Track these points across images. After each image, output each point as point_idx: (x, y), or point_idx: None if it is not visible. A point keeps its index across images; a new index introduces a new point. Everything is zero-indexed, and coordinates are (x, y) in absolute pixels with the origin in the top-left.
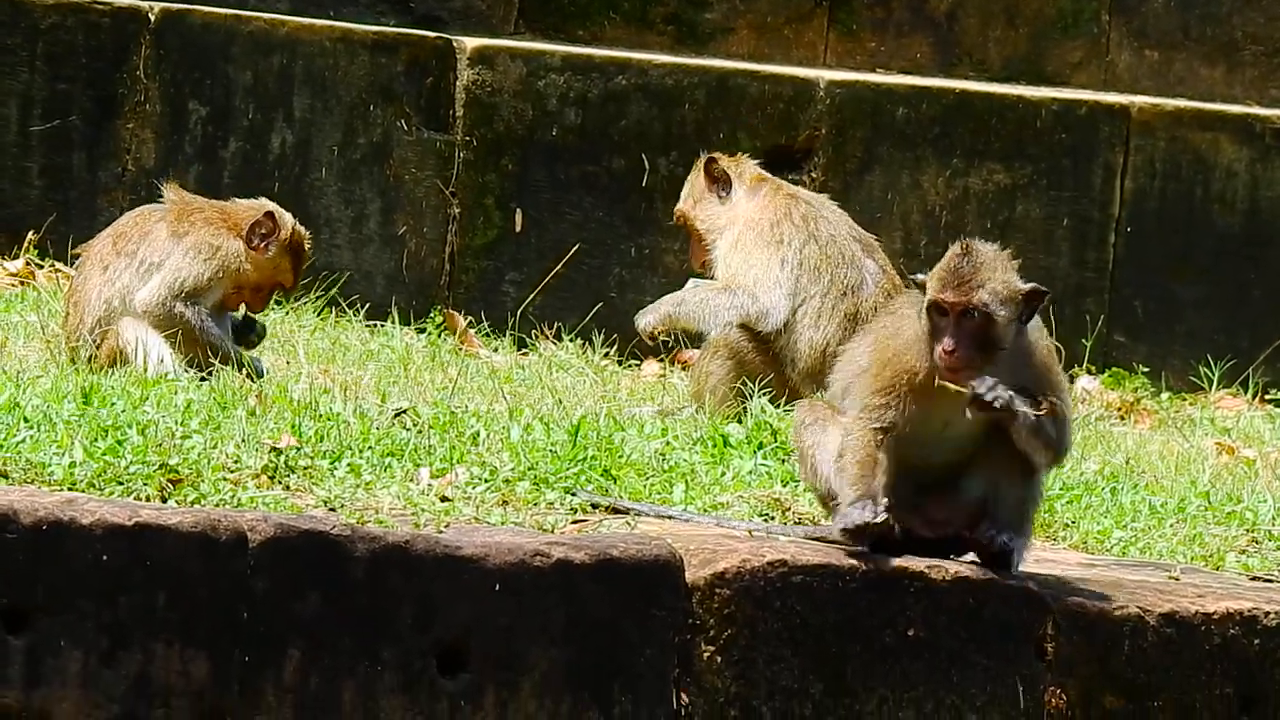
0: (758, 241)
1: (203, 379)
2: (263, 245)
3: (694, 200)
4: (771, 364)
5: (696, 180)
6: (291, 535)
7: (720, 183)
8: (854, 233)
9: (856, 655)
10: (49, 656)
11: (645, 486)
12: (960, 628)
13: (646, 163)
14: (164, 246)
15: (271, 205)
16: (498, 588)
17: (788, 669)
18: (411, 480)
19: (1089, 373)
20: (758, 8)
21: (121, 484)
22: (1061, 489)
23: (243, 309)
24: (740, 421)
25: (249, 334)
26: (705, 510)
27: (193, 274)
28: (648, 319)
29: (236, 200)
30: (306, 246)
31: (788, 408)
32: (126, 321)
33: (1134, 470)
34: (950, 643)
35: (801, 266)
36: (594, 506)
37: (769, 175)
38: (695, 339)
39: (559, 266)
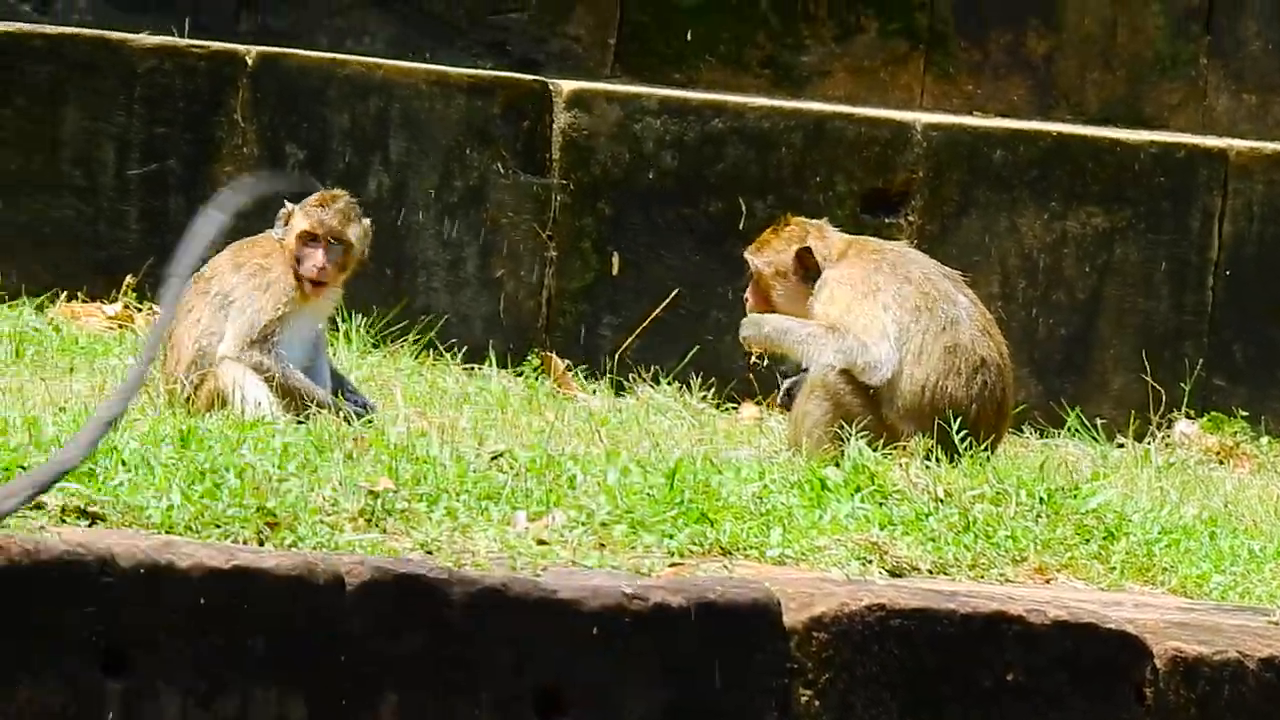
0: (854, 294)
1: (300, 422)
2: (285, 231)
3: (776, 271)
4: (870, 405)
5: (784, 254)
6: (388, 578)
7: (809, 273)
8: (942, 270)
9: (955, 699)
10: (146, 700)
11: (742, 530)
12: (1059, 671)
13: (743, 206)
14: (229, 277)
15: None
16: (595, 631)
17: (886, 713)
18: (508, 523)
19: (1188, 417)
20: (854, 50)
21: (219, 527)
22: (1160, 533)
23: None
24: (838, 465)
25: (360, 410)
26: (803, 554)
27: (258, 309)
28: (752, 331)
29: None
30: (320, 230)
31: (885, 450)
32: (226, 364)
33: (1233, 515)
34: (1049, 686)
35: (902, 309)
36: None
37: (850, 238)
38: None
39: (656, 310)
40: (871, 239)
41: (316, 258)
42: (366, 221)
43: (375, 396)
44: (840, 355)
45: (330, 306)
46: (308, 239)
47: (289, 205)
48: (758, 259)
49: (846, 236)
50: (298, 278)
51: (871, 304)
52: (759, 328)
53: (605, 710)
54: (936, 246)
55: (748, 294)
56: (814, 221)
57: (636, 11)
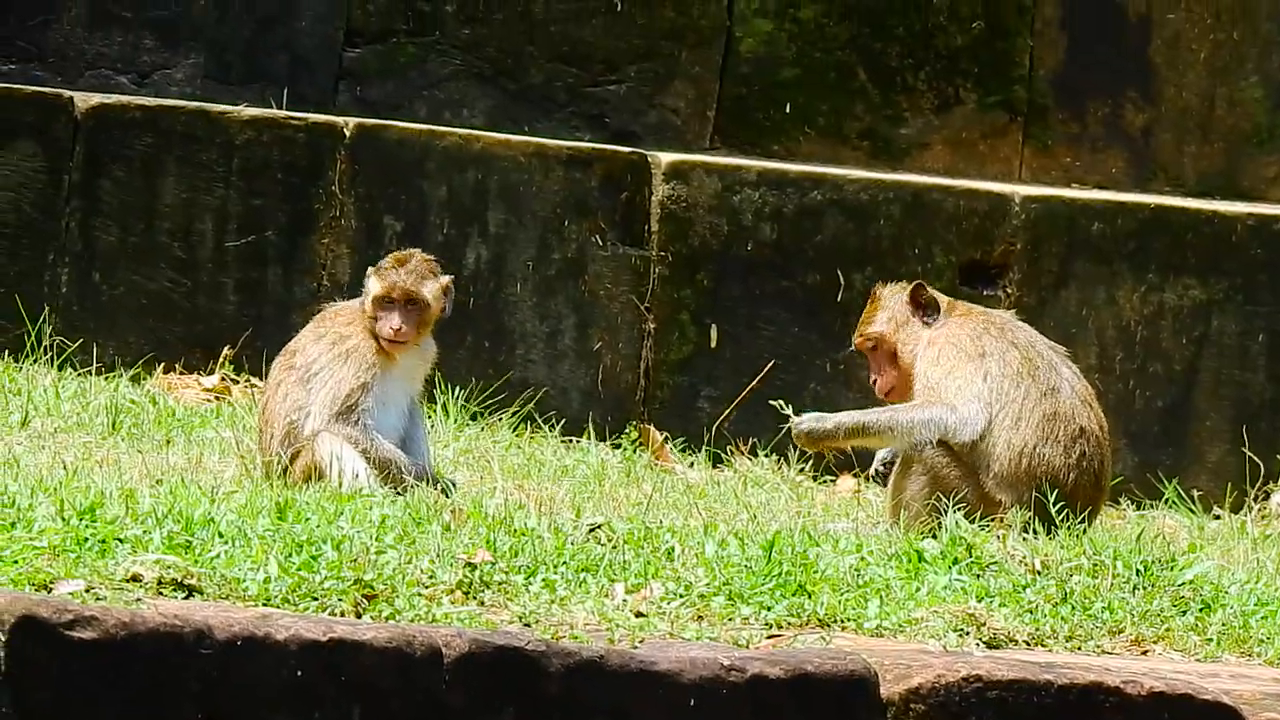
0: (960, 355)
1: (397, 494)
2: (363, 300)
3: (897, 324)
4: (967, 477)
5: (897, 305)
6: (486, 650)
7: (927, 309)
8: (1047, 343)
9: None
10: None
11: (840, 602)
12: None
13: (841, 277)
14: (311, 350)
15: None
16: (693, 703)
17: None
18: (606, 596)
19: None
20: (953, 123)
21: (316, 599)
22: (1257, 604)
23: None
24: (935, 537)
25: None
26: (900, 626)
27: (339, 379)
28: (811, 424)
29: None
30: (395, 294)
31: (983, 522)
32: (323, 437)
33: None
34: None
35: (1004, 375)
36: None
37: (956, 301)
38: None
39: (754, 382)
40: (977, 305)
41: (393, 320)
42: (445, 278)
43: (473, 469)
44: (931, 426)
45: (422, 368)
46: (383, 302)
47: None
48: (871, 327)
49: (950, 299)
50: (377, 340)
51: (975, 368)
52: (826, 420)
53: None
54: (1034, 318)
55: (874, 379)
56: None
57: (735, 84)
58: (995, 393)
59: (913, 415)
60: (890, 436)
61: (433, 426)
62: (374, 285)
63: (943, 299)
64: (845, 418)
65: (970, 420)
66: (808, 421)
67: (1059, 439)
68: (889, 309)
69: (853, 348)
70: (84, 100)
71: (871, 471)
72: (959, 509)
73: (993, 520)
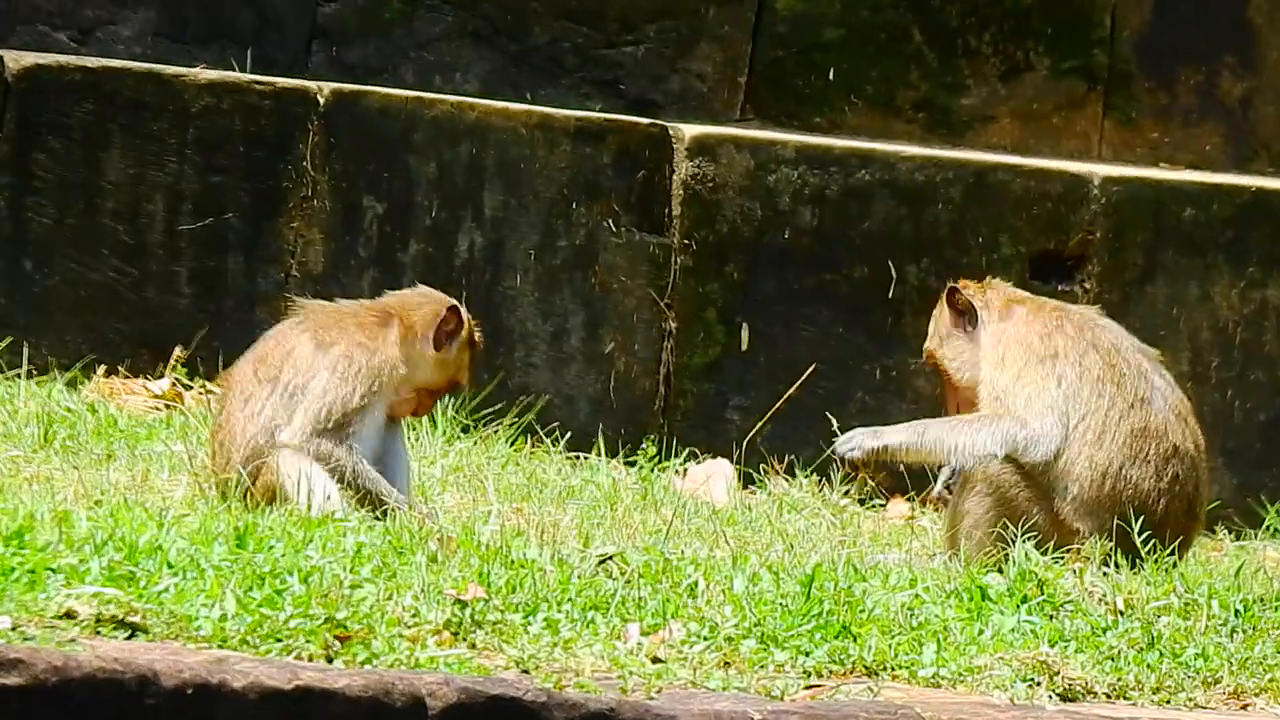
0: (1028, 357)
1: (375, 519)
2: (449, 344)
3: (940, 337)
4: (1039, 499)
5: (941, 314)
6: (478, 701)
7: (966, 315)
8: (1136, 345)
9: None
10: None
11: (890, 646)
12: None
13: (893, 270)
14: (309, 363)
15: (441, 295)
16: None
17: None
18: (618, 638)
19: None
20: (1022, 92)
21: (280, 641)
22: None
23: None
24: (1001, 571)
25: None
26: (960, 674)
27: (340, 397)
28: (859, 443)
29: (391, 294)
30: (479, 338)
31: (1057, 553)
32: (286, 453)
33: None
34: None
35: (1082, 379)
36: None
37: (1025, 294)
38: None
39: (792, 390)
40: (1051, 300)
41: (430, 402)
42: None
43: (464, 490)
44: (997, 440)
45: None
46: (456, 386)
47: (465, 315)
48: (927, 342)
49: (1021, 292)
50: (402, 406)
51: (1046, 371)
52: (878, 437)
53: None
54: (1115, 318)
55: (947, 399)
56: (980, 282)
57: (771, 46)
58: (1072, 401)
59: (975, 430)
60: (949, 455)
61: (416, 439)
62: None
63: (998, 299)
64: (895, 434)
65: (1043, 437)
66: (854, 439)
67: (1149, 458)
68: (936, 319)
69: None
70: (15, 60)
71: (934, 494)
72: (1029, 537)
73: (1068, 551)
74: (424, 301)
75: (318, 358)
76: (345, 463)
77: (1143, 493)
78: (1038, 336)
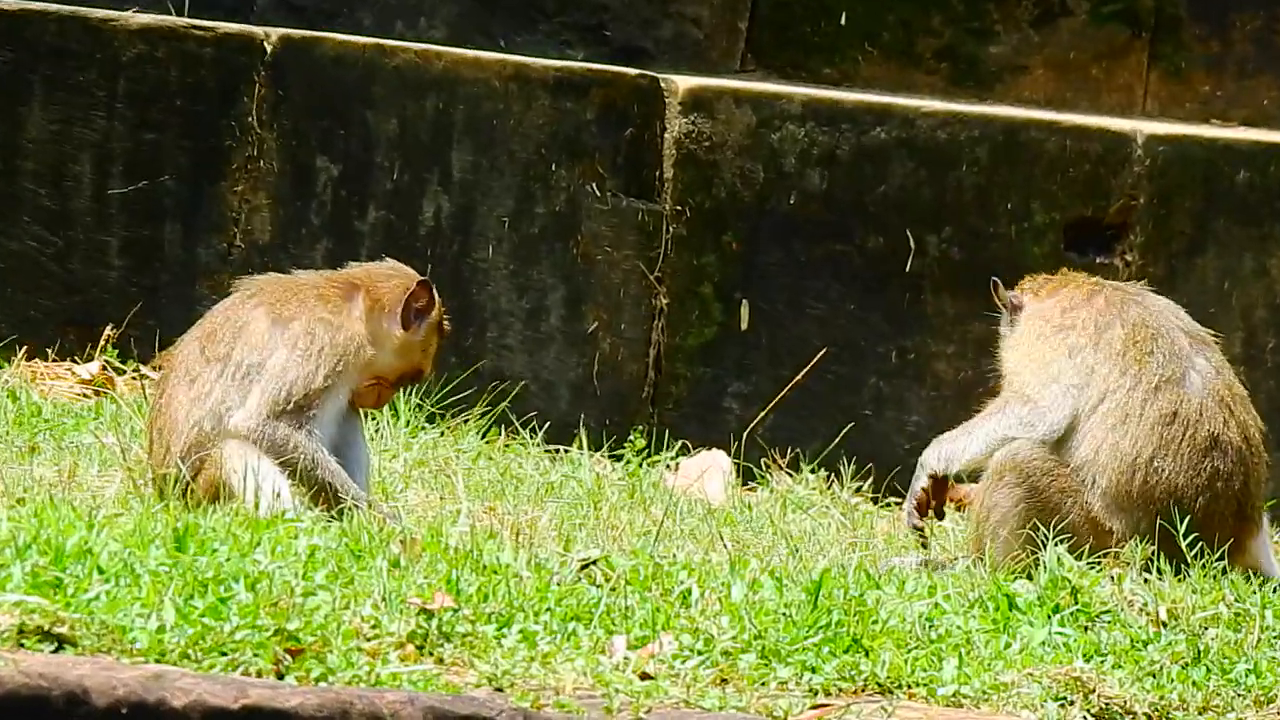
0: (1041, 331)
1: (331, 519)
2: (417, 324)
3: (1000, 337)
4: (1071, 491)
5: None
6: None
7: (1009, 309)
8: (1182, 324)
9: None
10: None
11: (907, 661)
12: None
13: (912, 241)
14: (265, 339)
15: (407, 268)
16: None
17: None
18: (602, 652)
19: None
20: (1057, 39)
21: (225, 654)
22: None
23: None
24: (1031, 577)
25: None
26: (985, 692)
27: (302, 374)
28: (936, 458)
29: (356, 265)
30: (447, 324)
31: (1094, 558)
32: (232, 445)
33: None
34: None
35: (1098, 351)
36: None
37: (1089, 280)
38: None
39: (799, 377)
40: (1102, 279)
41: (391, 392)
42: None
43: (430, 486)
44: (1004, 424)
45: None
46: (416, 375)
47: (435, 294)
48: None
49: (1084, 279)
50: (364, 396)
51: (1058, 342)
52: (957, 446)
53: None
54: (1161, 293)
55: None
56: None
57: None
58: (1089, 375)
59: (983, 422)
60: (986, 439)
61: (377, 431)
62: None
63: (1058, 283)
64: (951, 435)
65: (1048, 409)
66: (935, 450)
67: (1180, 449)
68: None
69: None
70: None
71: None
72: (1063, 540)
73: (1104, 556)
74: (392, 274)
75: (275, 334)
76: (304, 450)
77: (1177, 488)
78: (1060, 310)
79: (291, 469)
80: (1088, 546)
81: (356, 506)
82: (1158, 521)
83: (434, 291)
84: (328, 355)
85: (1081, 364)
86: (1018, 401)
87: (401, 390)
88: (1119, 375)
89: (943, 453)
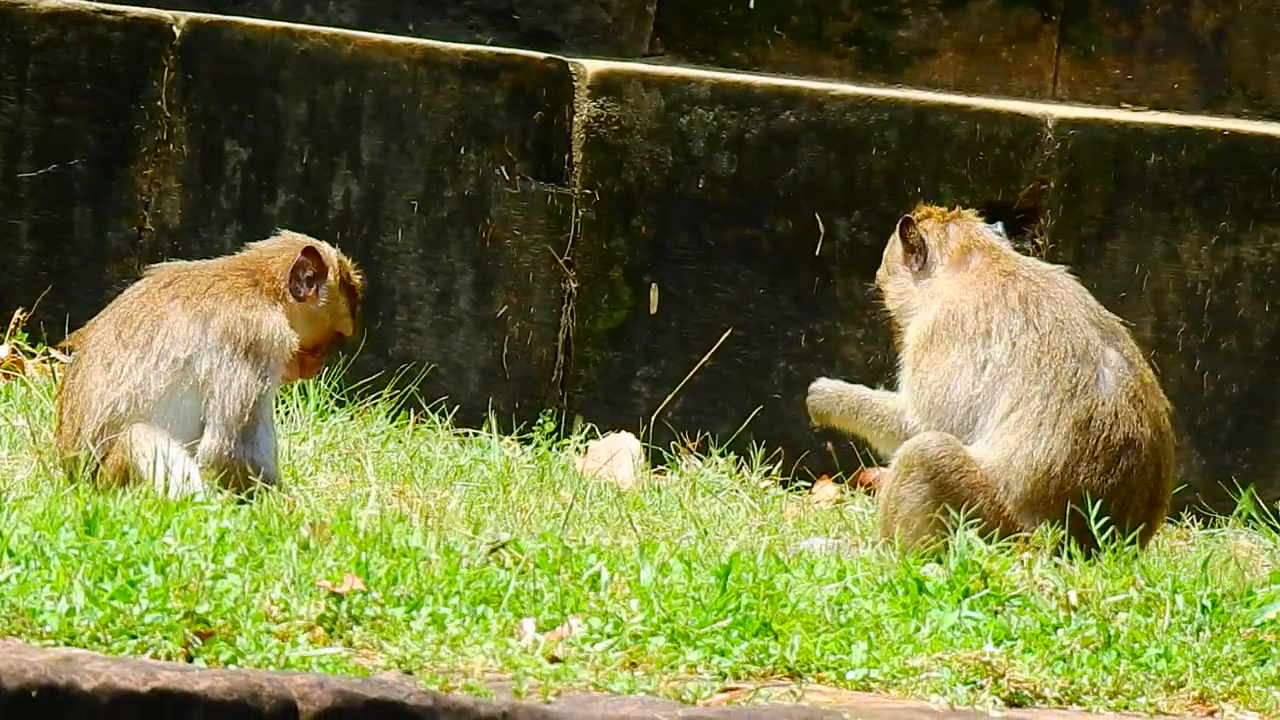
0: (953, 334)
1: (240, 502)
2: (313, 292)
3: (889, 269)
4: (981, 487)
5: (894, 245)
6: (356, 705)
7: (916, 252)
8: (1092, 315)
9: None
10: None
11: (816, 645)
12: None
13: (821, 224)
14: (187, 333)
15: (303, 238)
16: None
17: None
18: (512, 635)
19: None
20: (967, 23)
21: (135, 638)
22: None
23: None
24: (940, 561)
25: None
26: (894, 676)
27: (246, 391)
28: (822, 401)
29: (254, 245)
30: (357, 280)
31: (1003, 543)
32: (140, 428)
33: None
34: None
35: (1014, 361)
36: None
37: (988, 238)
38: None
39: (705, 359)
40: (1011, 254)
41: (320, 359)
42: None
43: (339, 470)
44: (894, 426)
45: None
46: (339, 339)
47: (329, 255)
48: (880, 271)
49: (983, 234)
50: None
51: (966, 353)
52: (836, 399)
53: None
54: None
55: (892, 332)
56: (950, 210)
57: None
58: (992, 383)
59: (889, 409)
60: (872, 435)
61: (286, 413)
62: (345, 321)
63: (956, 240)
64: (849, 394)
65: (939, 423)
66: (816, 390)
67: (1096, 455)
68: (889, 249)
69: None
70: None
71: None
72: (971, 525)
73: (1014, 540)
74: (282, 248)
75: (196, 329)
76: (262, 467)
77: (1093, 489)
78: (973, 309)
79: (241, 478)
80: (996, 532)
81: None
82: (1069, 507)
83: (322, 255)
84: (261, 359)
85: (990, 376)
86: (915, 414)
87: (330, 356)
88: (1031, 384)
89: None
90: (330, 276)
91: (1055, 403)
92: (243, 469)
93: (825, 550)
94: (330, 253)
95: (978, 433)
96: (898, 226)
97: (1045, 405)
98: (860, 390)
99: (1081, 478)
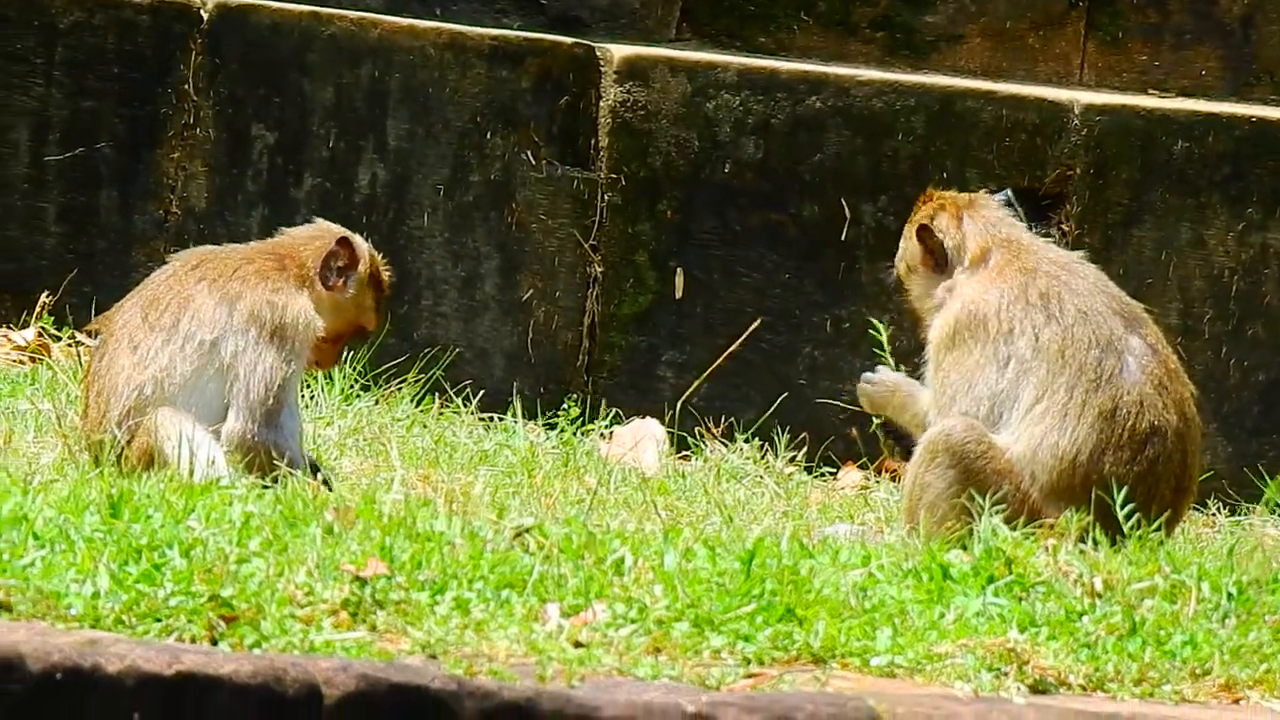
0: (976, 336)
1: (265, 486)
2: (341, 282)
3: (907, 265)
4: (1006, 474)
5: (910, 244)
6: (380, 689)
7: (934, 255)
8: (1114, 304)
9: None
10: None
11: (840, 631)
12: None
13: (847, 209)
14: (214, 316)
15: (337, 228)
16: None
17: None
18: (536, 620)
19: None
20: (993, 8)
21: (159, 621)
22: None
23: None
24: (965, 547)
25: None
26: (919, 663)
27: (271, 373)
28: (882, 390)
29: (285, 231)
30: (386, 276)
31: (1029, 529)
32: (165, 412)
33: None
34: None
35: (1037, 355)
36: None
37: (1007, 229)
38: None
39: (734, 346)
40: (1032, 240)
41: (342, 351)
42: None
43: (364, 454)
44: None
45: None
46: (360, 332)
47: (362, 247)
48: (897, 262)
49: (1002, 227)
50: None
51: (989, 353)
52: (891, 392)
53: None
54: (1096, 264)
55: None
56: (963, 196)
57: None
58: (1016, 377)
59: (921, 408)
60: (912, 410)
61: (311, 398)
62: (370, 316)
63: (974, 243)
64: (890, 376)
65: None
66: (864, 381)
67: (1122, 443)
68: (904, 246)
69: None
70: None
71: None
72: (997, 511)
73: (1039, 527)
74: (315, 236)
75: (222, 312)
76: (286, 450)
77: (1119, 477)
78: (994, 310)
79: (265, 462)
80: (1021, 520)
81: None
82: (1094, 493)
83: (356, 247)
84: (286, 342)
85: (1013, 371)
86: (934, 410)
87: (350, 349)
88: (1055, 376)
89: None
90: (361, 269)
91: (1080, 393)
92: (266, 452)
93: (850, 536)
94: (363, 246)
95: (1003, 426)
96: (915, 232)
97: (1070, 396)
98: (910, 385)
99: (1108, 467)
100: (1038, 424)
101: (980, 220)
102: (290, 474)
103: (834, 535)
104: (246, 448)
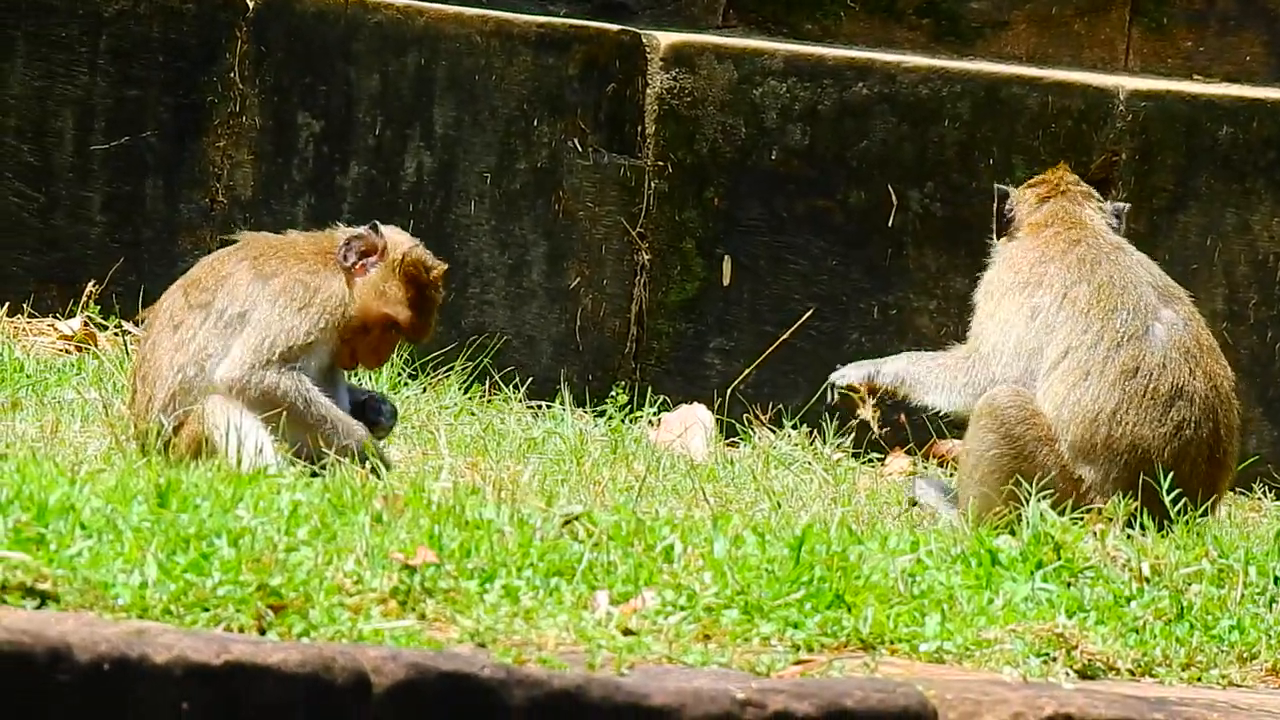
0: (1010, 286)
1: (314, 474)
2: (360, 265)
3: (994, 235)
4: (1047, 438)
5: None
6: (429, 678)
7: (1002, 221)
8: (1153, 280)
9: None
10: None
11: (889, 617)
12: None
13: (894, 196)
14: (247, 291)
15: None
16: None
17: None
18: (585, 607)
19: None
20: None
21: (207, 610)
22: None
23: (355, 379)
24: (1013, 532)
25: (376, 416)
26: (967, 649)
27: (285, 329)
28: (849, 373)
29: (340, 226)
30: (430, 274)
31: (1076, 514)
32: (215, 400)
33: None
34: None
35: (1061, 310)
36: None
37: (1079, 214)
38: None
39: (786, 335)
40: (1095, 228)
41: (389, 352)
42: None
43: (412, 442)
44: (968, 390)
45: None
46: (393, 327)
47: (390, 236)
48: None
49: (1083, 208)
50: (352, 352)
51: (1020, 301)
52: (878, 369)
53: None
54: (1142, 250)
55: None
56: (1075, 186)
57: None
58: (1044, 333)
59: (951, 375)
60: (927, 389)
61: (359, 386)
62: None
63: (1055, 211)
64: (888, 364)
65: (998, 375)
66: (847, 369)
67: (1145, 401)
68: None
69: None
70: None
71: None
72: (1042, 494)
73: (1087, 511)
74: (359, 230)
75: (256, 287)
76: (295, 392)
77: (1143, 439)
78: (1029, 263)
79: (284, 413)
80: (1063, 494)
81: (356, 446)
82: (1140, 478)
83: (378, 233)
84: (309, 311)
85: (1042, 325)
86: (980, 365)
87: (395, 351)
88: (1080, 333)
89: (898, 371)
90: (387, 256)
91: (1102, 350)
92: (262, 395)
93: (939, 493)
94: (393, 236)
95: (1029, 382)
96: (996, 203)
97: (1091, 354)
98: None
99: (1131, 425)
100: (1062, 381)
101: (1064, 206)
102: (318, 424)
103: (923, 493)
104: (239, 388)
